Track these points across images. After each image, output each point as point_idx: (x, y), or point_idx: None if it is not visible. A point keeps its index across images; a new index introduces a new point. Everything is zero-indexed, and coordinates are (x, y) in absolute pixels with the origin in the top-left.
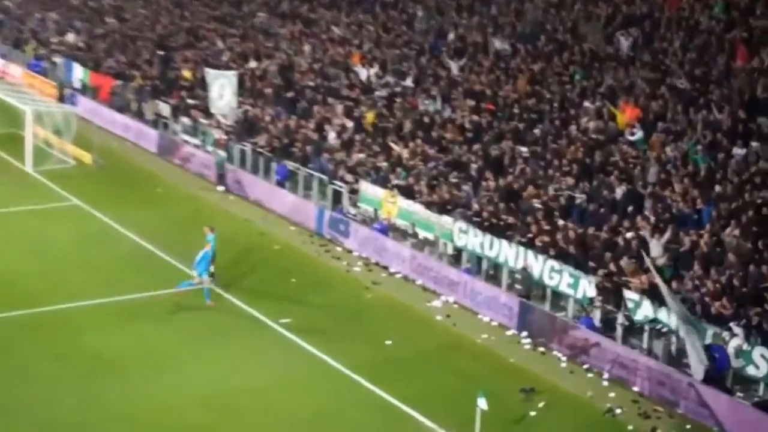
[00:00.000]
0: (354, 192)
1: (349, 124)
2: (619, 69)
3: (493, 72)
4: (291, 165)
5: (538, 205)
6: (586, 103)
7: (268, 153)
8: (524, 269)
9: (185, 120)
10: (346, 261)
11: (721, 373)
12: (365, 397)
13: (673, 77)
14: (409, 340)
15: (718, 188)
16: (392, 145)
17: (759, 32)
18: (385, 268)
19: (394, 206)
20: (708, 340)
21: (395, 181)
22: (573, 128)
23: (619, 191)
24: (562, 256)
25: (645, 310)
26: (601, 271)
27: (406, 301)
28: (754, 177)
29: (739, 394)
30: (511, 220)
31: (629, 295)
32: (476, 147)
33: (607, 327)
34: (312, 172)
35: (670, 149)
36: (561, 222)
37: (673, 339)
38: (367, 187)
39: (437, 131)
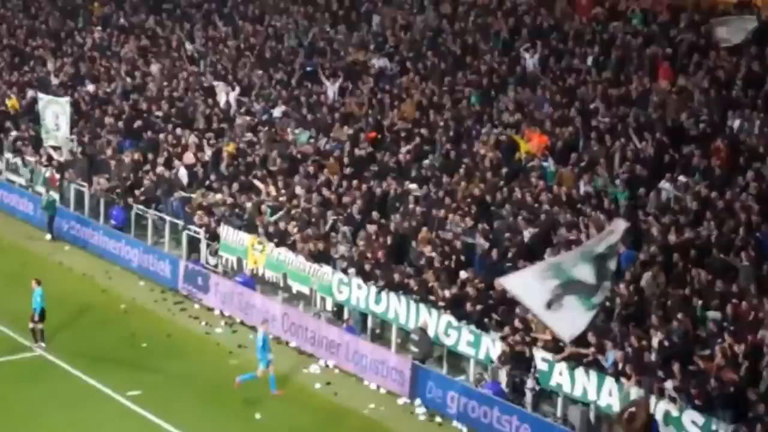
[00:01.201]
0: (213, 238)
1: (206, 157)
2: (524, 90)
3: (376, 95)
4: (138, 208)
5: (432, 254)
6: (485, 131)
7: (110, 194)
8: (421, 329)
9: (9, 156)
10: (206, 321)
11: None
12: None
13: (586, 100)
14: (283, 414)
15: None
16: (257, 182)
17: (684, 47)
18: (253, 328)
19: (262, 255)
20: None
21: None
22: (468, 160)
23: (527, 234)
24: (462, 312)
25: (558, 377)
26: (506, 328)
27: (278, 367)
28: (679, 215)
29: None
30: (401, 270)
31: (540, 354)
32: (356, 183)
33: (516, 392)
34: (162, 215)
35: (584, 183)
36: (462, 274)
37: (591, 406)
38: (228, 233)
39: (310, 166)
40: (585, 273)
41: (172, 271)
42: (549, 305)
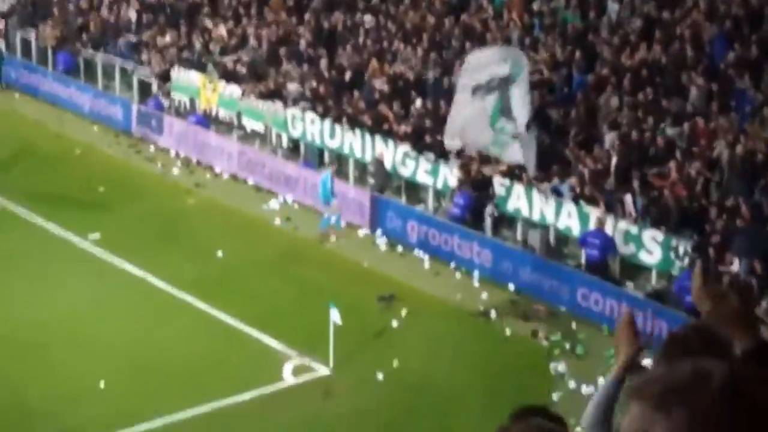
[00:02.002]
0: (164, 79)
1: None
2: None
3: None
4: (87, 53)
5: (384, 86)
6: None
7: (56, 40)
8: (377, 160)
9: None
10: (162, 162)
11: (605, 261)
12: (198, 320)
13: None
14: (244, 250)
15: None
16: (207, 22)
17: None
18: (209, 167)
19: (215, 94)
20: (590, 226)
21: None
22: None
23: None
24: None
25: (516, 201)
26: (464, 155)
27: (237, 204)
28: (629, 36)
29: (628, 283)
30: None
31: (498, 180)
32: (306, 17)
33: (476, 218)
34: (112, 57)
35: (536, 6)
36: (417, 103)
37: (551, 229)
38: (180, 74)
39: (257, 4)
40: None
41: (124, 115)
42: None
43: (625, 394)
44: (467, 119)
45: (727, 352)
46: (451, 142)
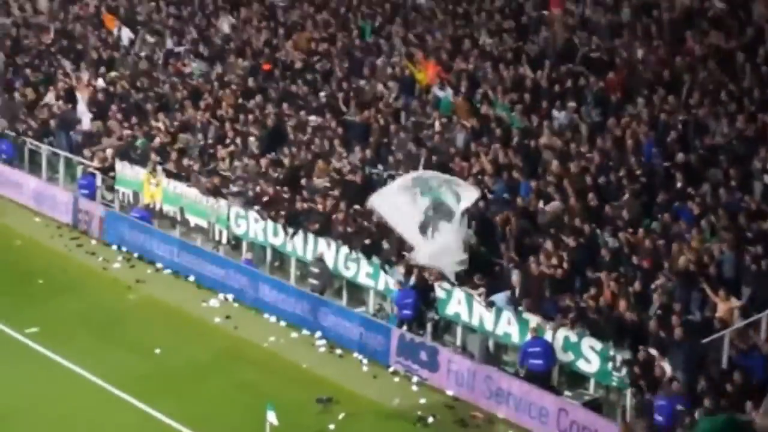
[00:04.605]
0: (109, 173)
1: (100, 92)
2: (417, 20)
3: (270, 27)
4: (31, 143)
5: (328, 185)
6: (380, 61)
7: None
8: (320, 260)
9: None
10: (103, 256)
11: (549, 371)
12: (134, 418)
13: (479, 29)
14: (183, 348)
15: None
16: (153, 117)
17: None
18: (151, 263)
19: (158, 189)
20: (527, 335)
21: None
22: (366, 89)
23: (423, 162)
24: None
25: (456, 306)
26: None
27: (177, 301)
28: (571, 143)
29: (567, 393)
30: (301, 204)
31: (440, 285)
32: (253, 117)
33: (418, 323)
34: (56, 150)
35: (480, 111)
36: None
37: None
38: (124, 167)
39: (206, 98)
40: (450, 200)
41: (67, 207)
42: (424, 230)
43: None
44: (441, 245)
45: None
46: (419, 260)
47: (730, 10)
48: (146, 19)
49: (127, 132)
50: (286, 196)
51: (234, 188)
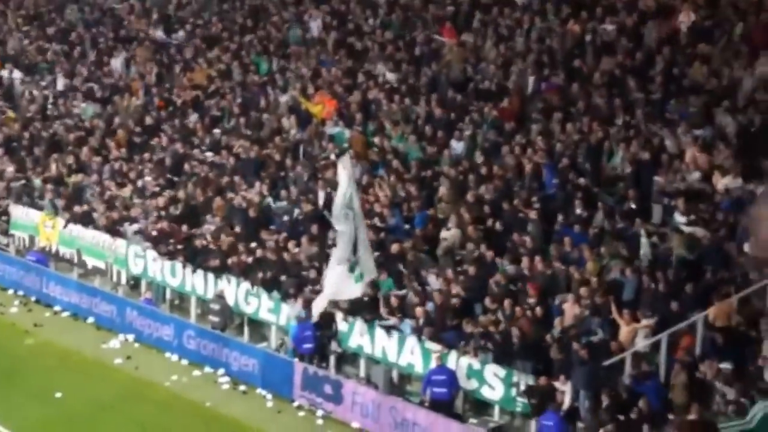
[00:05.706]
0: (1, 217)
1: None
2: (310, 55)
3: (163, 65)
4: None
5: (224, 221)
6: (273, 97)
7: None
8: (220, 296)
9: None
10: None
11: (453, 398)
12: None
13: (373, 62)
14: (84, 391)
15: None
16: (50, 159)
17: (466, 6)
18: (49, 306)
19: (54, 231)
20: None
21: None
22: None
23: (323, 195)
24: (264, 279)
25: (359, 338)
26: (307, 290)
27: (77, 343)
28: (469, 173)
29: (472, 420)
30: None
31: (340, 316)
32: (147, 155)
33: (320, 355)
34: None
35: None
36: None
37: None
38: (18, 211)
39: (98, 139)
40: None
41: None
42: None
43: None
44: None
45: None
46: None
47: (620, 35)
48: (37, 60)
49: (18, 174)
50: (184, 233)
51: (132, 226)
